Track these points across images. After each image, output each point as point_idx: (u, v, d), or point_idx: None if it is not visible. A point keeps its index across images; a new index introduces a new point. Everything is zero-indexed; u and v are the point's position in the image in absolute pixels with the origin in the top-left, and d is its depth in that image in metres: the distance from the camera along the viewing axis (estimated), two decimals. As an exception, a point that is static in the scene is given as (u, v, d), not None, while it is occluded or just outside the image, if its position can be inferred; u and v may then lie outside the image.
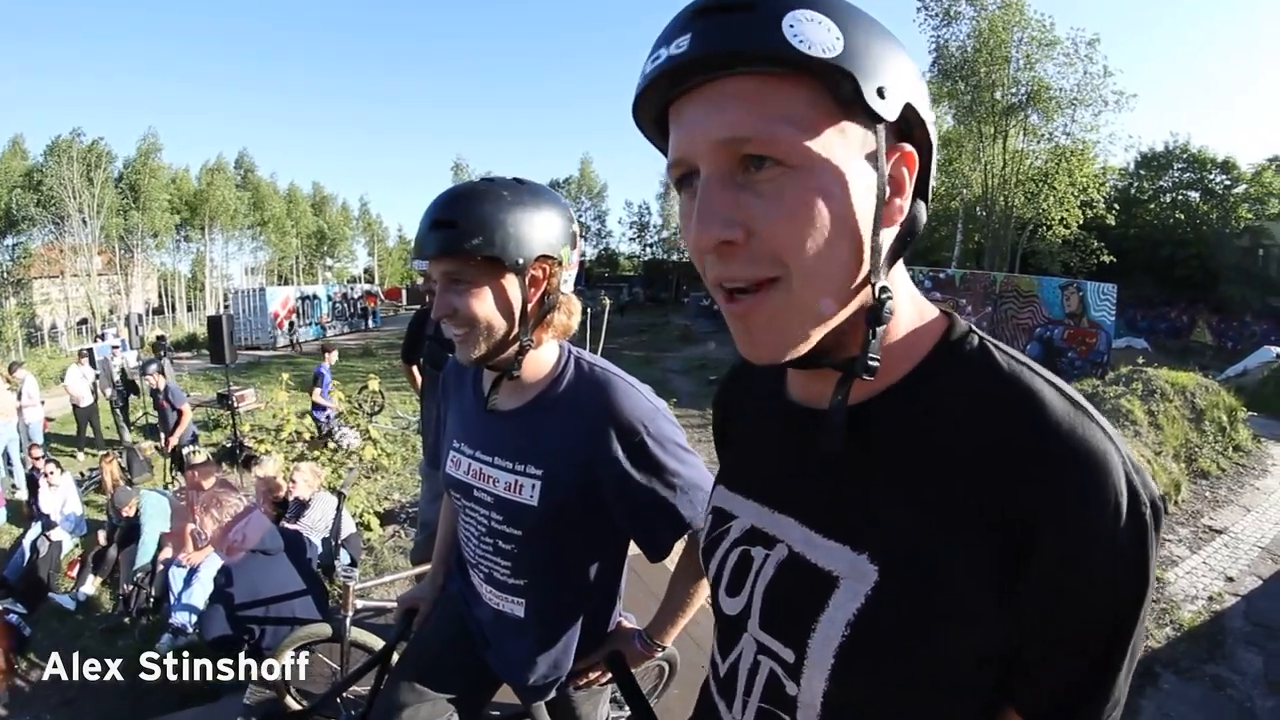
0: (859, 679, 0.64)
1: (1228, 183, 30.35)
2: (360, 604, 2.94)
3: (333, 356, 9.44)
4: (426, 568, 3.37)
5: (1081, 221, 25.66)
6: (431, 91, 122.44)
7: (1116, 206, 27.48)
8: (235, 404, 8.87)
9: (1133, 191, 31.66)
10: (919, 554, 0.61)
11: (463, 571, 1.57)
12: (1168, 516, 5.61)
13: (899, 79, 0.59)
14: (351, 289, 35.56)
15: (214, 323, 8.11)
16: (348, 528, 5.06)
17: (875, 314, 0.62)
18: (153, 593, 4.71)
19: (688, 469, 1.31)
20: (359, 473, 7.09)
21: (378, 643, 2.84)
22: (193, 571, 4.35)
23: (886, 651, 0.63)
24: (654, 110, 0.65)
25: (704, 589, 1.43)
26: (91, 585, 5.23)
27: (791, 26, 0.54)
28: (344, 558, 4.95)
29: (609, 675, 1.54)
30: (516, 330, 1.27)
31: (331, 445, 7.65)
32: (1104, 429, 0.59)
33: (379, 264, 63.44)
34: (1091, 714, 0.61)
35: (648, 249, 50.35)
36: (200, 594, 4.14)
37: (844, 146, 0.58)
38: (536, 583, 1.40)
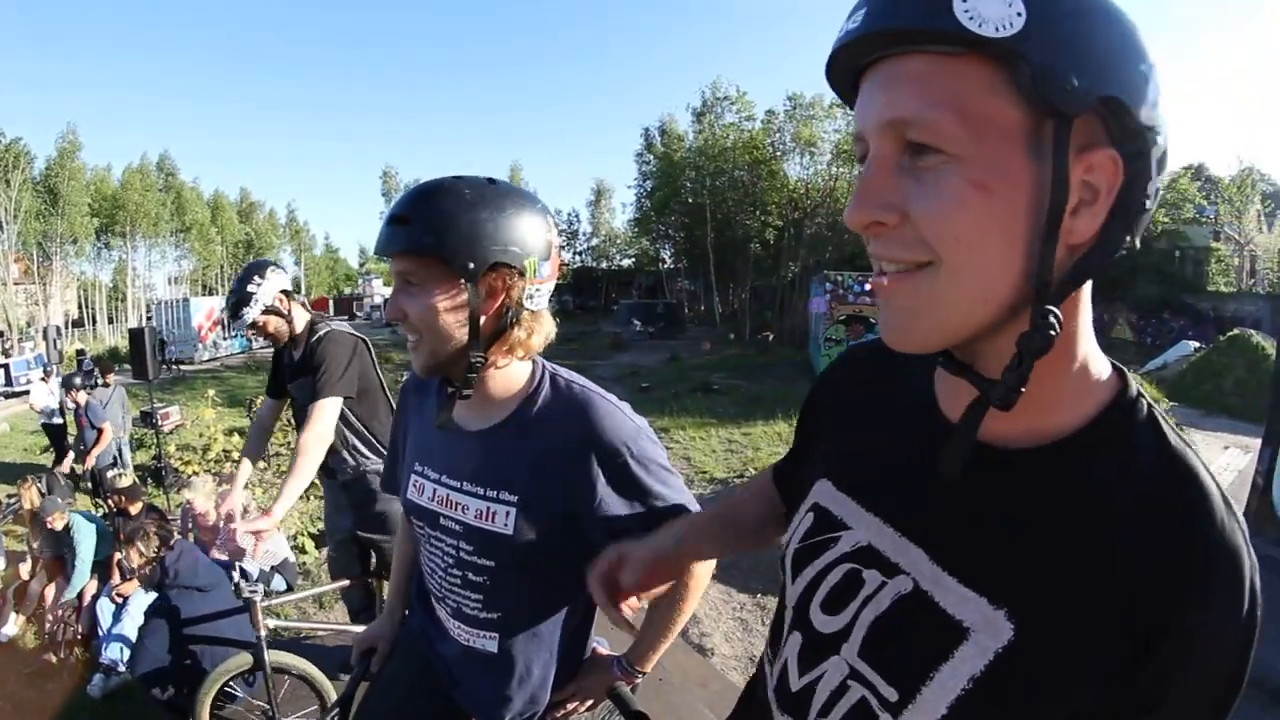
0: None
1: (1144, 189, 31.97)
2: (274, 623, 2.79)
3: None
4: (343, 583, 3.26)
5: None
6: (360, 97, 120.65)
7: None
8: (159, 422, 8.44)
9: (1055, 197, 32.98)
10: (1058, 622, 0.58)
11: (425, 606, 1.47)
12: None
13: (1105, 69, 0.51)
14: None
15: (136, 336, 7.66)
16: (283, 552, 4.82)
17: (1029, 340, 0.55)
18: (80, 629, 4.38)
19: (671, 491, 1.25)
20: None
21: (303, 665, 2.75)
22: (122, 605, 4.07)
23: (1006, 712, 0.60)
24: (850, 76, 0.60)
25: (686, 613, 1.38)
26: (13, 624, 4.79)
27: (965, 2, 0.50)
28: (279, 583, 4.71)
29: (587, 705, 1.48)
30: (467, 344, 1.16)
31: (261, 465, 7.32)
32: (1243, 530, 0.58)
33: (306, 273, 61.82)
34: None
35: (577, 257, 50.36)
36: (131, 627, 3.85)
37: (1014, 141, 0.52)
38: (510, 616, 1.31)
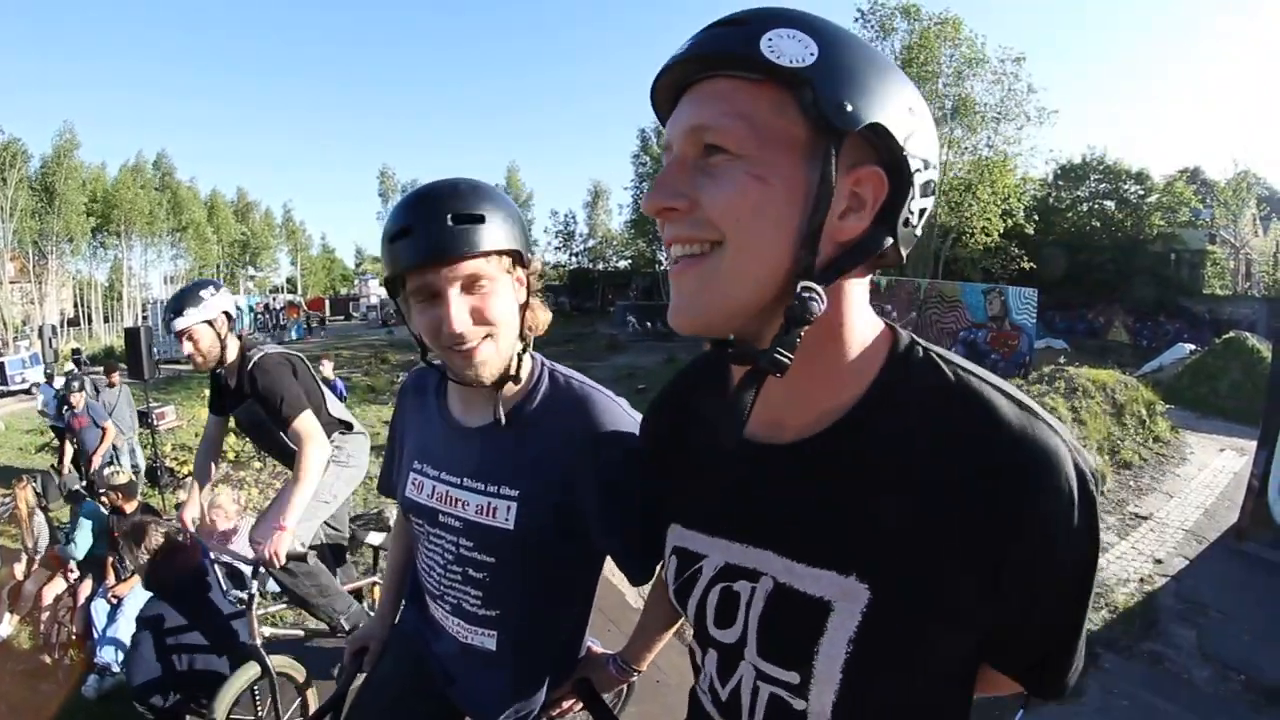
0: (866, 686, 0.70)
1: (1141, 193, 32.06)
2: (270, 630, 2.80)
3: (326, 366, 8.62)
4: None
5: (1002, 230, 26.81)
6: (357, 98, 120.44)
7: (1036, 216, 28.77)
8: (155, 422, 8.41)
9: (1051, 201, 33.12)
10: (906, 567, 0.67)
11: (420, 604, 1.47)
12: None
13: (875, 102, 0.63)
14: (274, 299, 34.35)
15: (132, 335, 7.65)
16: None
17: (792, 312, 0.64)
18: (75, 630, 4.36)
19: None
20: None
21: (301, 670, 2.74)
22: (116, 605, 4.05)
23: (891, 659, 0.68)
24: (670, 105, 0.71)
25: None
26: (8, 624, 4.78)
27: (769, 40, 0.62)
28: (274, 584, 4.69)
29: (580, 705, 1.46)
30: (519, 331, 1.21)
31: (257, 465, 7.28)
32: (1048, 424, 0.66)
33: (302, 273, 61.68)
34: (1064, 662, 0.73)
35: (574, 258, 50.17)
36: (125, 629, 3.84)
37: (793, 149, 0.63)
38: (509, 613, 1.30)
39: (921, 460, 0.67)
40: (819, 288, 0.64)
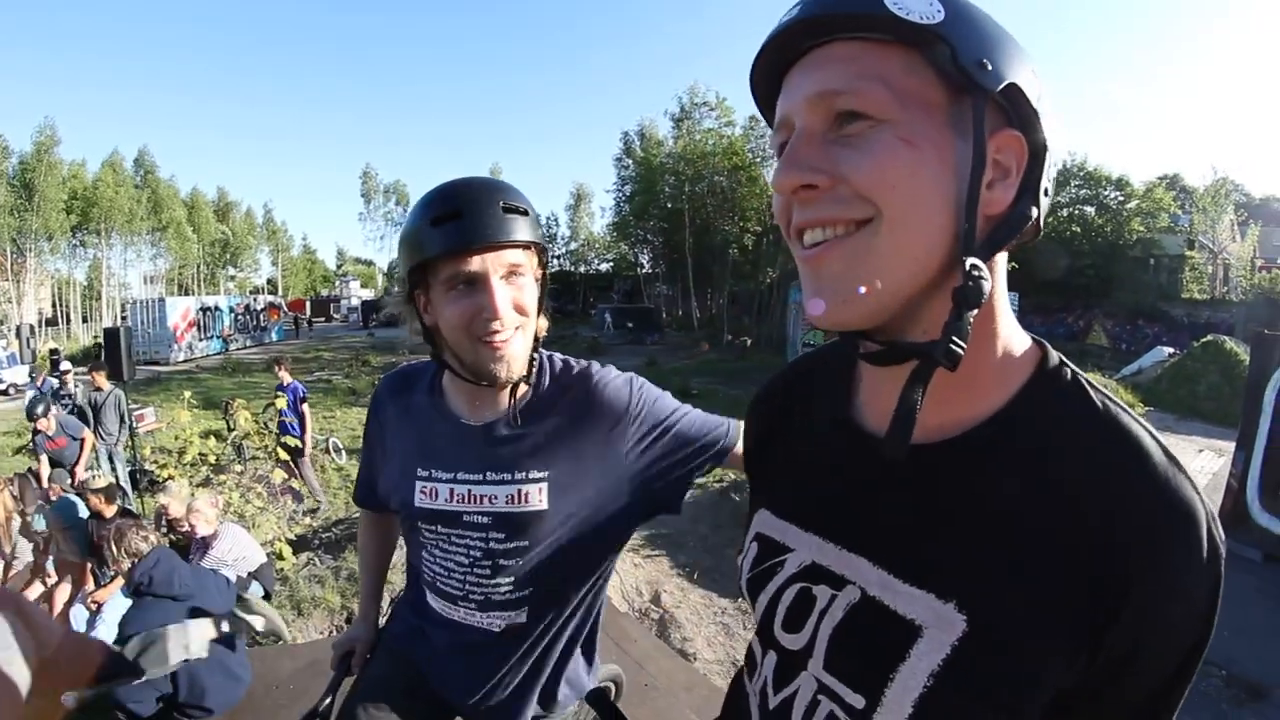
0: None
1: (1121, 199, 32.51)
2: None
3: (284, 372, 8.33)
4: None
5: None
6: (339, 99, 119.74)
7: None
8: (135, 424, 8.29)
9: (1032, 206, 33.45)
10: (1011, 605, 0.59)
11: (421, 610, 1.43)
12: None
13: (1006, 60, 0.58)
14: (254, 300, 34.16)
15: (111, 335, 7.54)
16: (259, 558, 4.74)
17: (964, 292, 0.57)
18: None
19: (684, 409, 1.35)
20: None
21: None
22: (96, 612, 3.98)
23: (970, 701, 0.61)
24: (770, 85, 0.66)
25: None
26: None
27: None
28: (257, 589, 4.64)
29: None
30: (536, 323, 1.24)
31: (238, 468, 7.19)
32: (1192, 482, 0.58)
33: (283, 274, 61.21)
34: None
35: (556, 261, 50.04)
36: (106, 637, 3.76)
37: (937, 112, 0.58)
38: (540, 591, 1.30)
39: (1054, 492, 0.59)
40: (983, 265, 0.58)
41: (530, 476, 1.23)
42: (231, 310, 29.92)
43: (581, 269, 49.85)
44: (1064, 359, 0.67)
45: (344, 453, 9.79)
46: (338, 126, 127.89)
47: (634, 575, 5.49)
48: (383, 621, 1.68)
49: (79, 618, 4.05)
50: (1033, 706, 0.60)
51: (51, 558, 4.79)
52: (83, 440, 7.21)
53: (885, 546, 0.67)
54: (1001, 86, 0.57)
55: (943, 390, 0.63)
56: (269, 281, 60.25)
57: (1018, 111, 0.59)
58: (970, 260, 0.57)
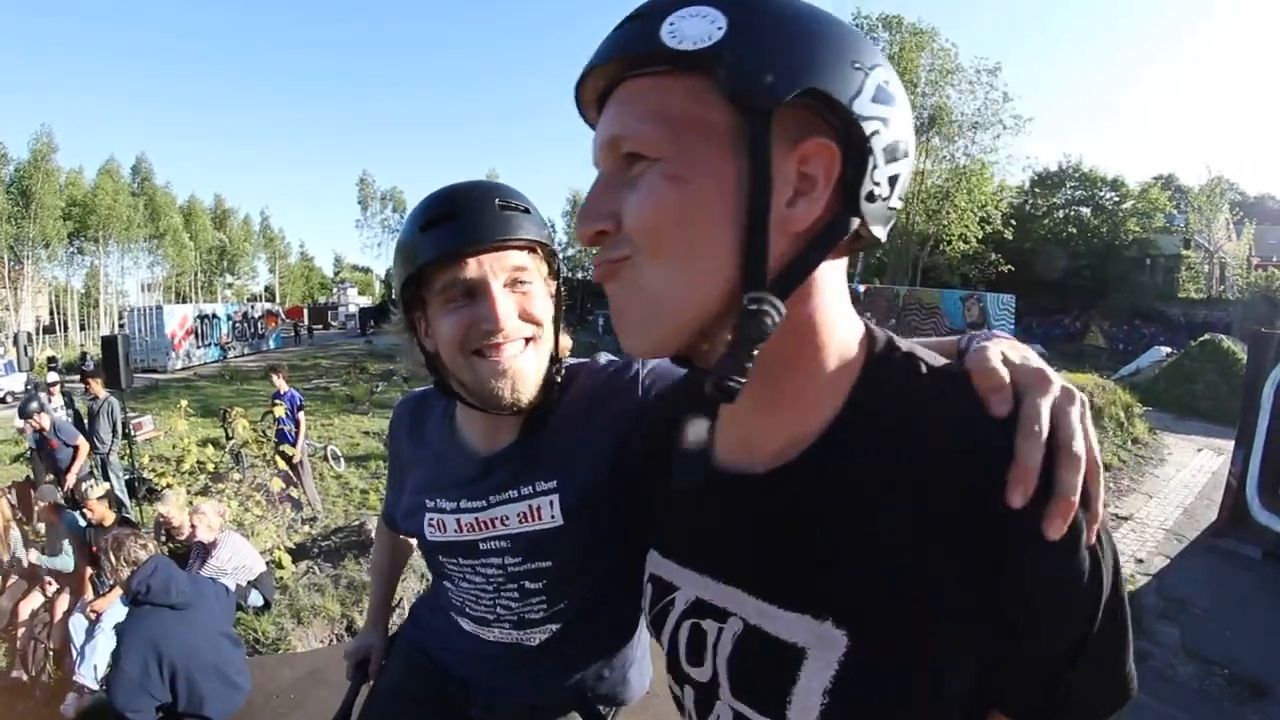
0: None
1: (1117, 199, 32.73)
2: None
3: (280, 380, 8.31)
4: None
5: (980, 236, 27.23)
6: (336, 105, 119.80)
7: (1014, 222, 29.22)
8: (133, 432, 8.26)
9: (1028, 208, 33.64)
10: (888, 614, 0.59)
11: (450, 621, 1.37)
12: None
13: (804, 65, 0.54)
14: (252, 308, 34.15)
15: (109, 343, 7.49)
16: (258, 566, 4.73)
17: (742, 328, 0.56)
18: (52, 646, 4.25)
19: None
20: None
21: None
22: (95, 621, 3.96)
23: (872, 710, 0.61)
24: (597, 107, 0.64)
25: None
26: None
27: (671, 24, 0.55)
28: (256, 598, 4.62)
29: None
30: (553, 343, 1.13)
31: (237, 477, 7.17)
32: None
33: (280, 281, 61.18)
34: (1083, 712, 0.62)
35: (551, 267, 50.38)
36: (105, 646, 3.76)
37: (716, 138, 0.56)
38: (573, 603, 1.23)
39: (905, 486, 0.58)
40: (772, 297, 0.55)
41: (538, 489, 1.14)
42: (229, 318, 29.87)
43: (579, 275, 49.85)
44: (893, 337, 0.67)
45: (342, 460, 9.77)
46: (335, 133, 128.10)
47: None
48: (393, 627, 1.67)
49: (78, 627, 4.02)
50: (941, 699, 0.60)
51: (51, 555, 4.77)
52: (76, 447, 7.15)
53: (755, 576, 0.67)
54: (792, 95, 0.53)
55: (780, 412, 0.65)
56: (266, 289, 60.29)
57: (833, 115, 0.55)
58: (750, 294, 0.55)
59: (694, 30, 0.54)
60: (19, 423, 7.73)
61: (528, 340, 1.07)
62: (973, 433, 0.57)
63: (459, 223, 1.02)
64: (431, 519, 1.23)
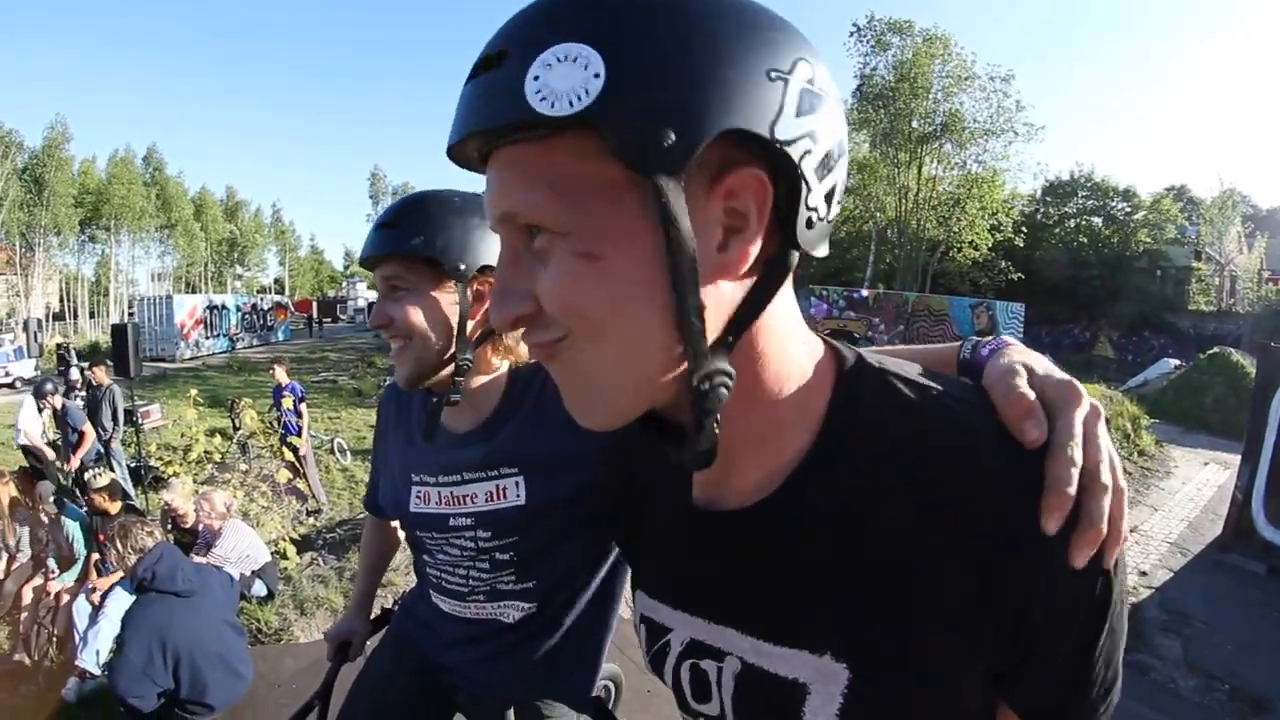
0: None
1: (1128, 209, 32.58)
2: None
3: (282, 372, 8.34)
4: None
5: (991, 244, 27.15)
6: (350, 100, 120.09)
7: (1025, 230, 29.14)
8: (140, 420, 8.31)
9: (1039, 217, 33.52)
10: (885, 642, 0.57)
11: (432, 607, 1.45)
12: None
13: (710, 100, 0.45)
14: (261, 300, 34.32)
15: (119, 331, 7.54)
16: (263, 556, 4.75)
17: (698, 407, 0.51)
18: (55, 631, 4.29)
19: None
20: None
21: None
22: (99, 607, 3.98)
23: None
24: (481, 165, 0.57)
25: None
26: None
27: (537, 78, 0.45)
28: (260, 588, 4.64)
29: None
30: (454, 348, 1.18)
31: (243, 467, 7.20)
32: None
33: (290, 274, 61.41)
34: (1086, 707, 0.60)
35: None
36: (108, 632, 3.77)
37: (618, 197, 0.48)
38: (545, 580, 1.32)
39: (891, 509, 0.56)
40: (722, 365, 0.51)
41: (503, 472, 1.24)
42: (239, 309, 29.99)
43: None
44: (861, 354, 0.63)
45: (349, 453, 9.79)
46: (347, 128, 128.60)
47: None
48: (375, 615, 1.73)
49: (81, 612, 4.05)
50: (954, 711, 0.58)
51: (53, 553, 4.80)
52: (82, 433, 7.21)
53: (747, 613, 0.65)
54: (695, 150, 0.45)
55: (752, 446, 0.61)
56: (276, 281, 60.57)
57: (755, 144, 0.48)
58: (698, 375, 0.50)
59: (566, 84, 0.45)
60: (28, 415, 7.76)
61: (405, 339, 1.18)
62: (968, 450, 0.55)
63: (366, 239, 1.20)
64: (419, 492, 1.33)
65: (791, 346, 0.59)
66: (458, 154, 0.55)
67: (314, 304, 49.02)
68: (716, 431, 0.53)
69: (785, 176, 0.49)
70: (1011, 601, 0.53)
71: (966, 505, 0.53)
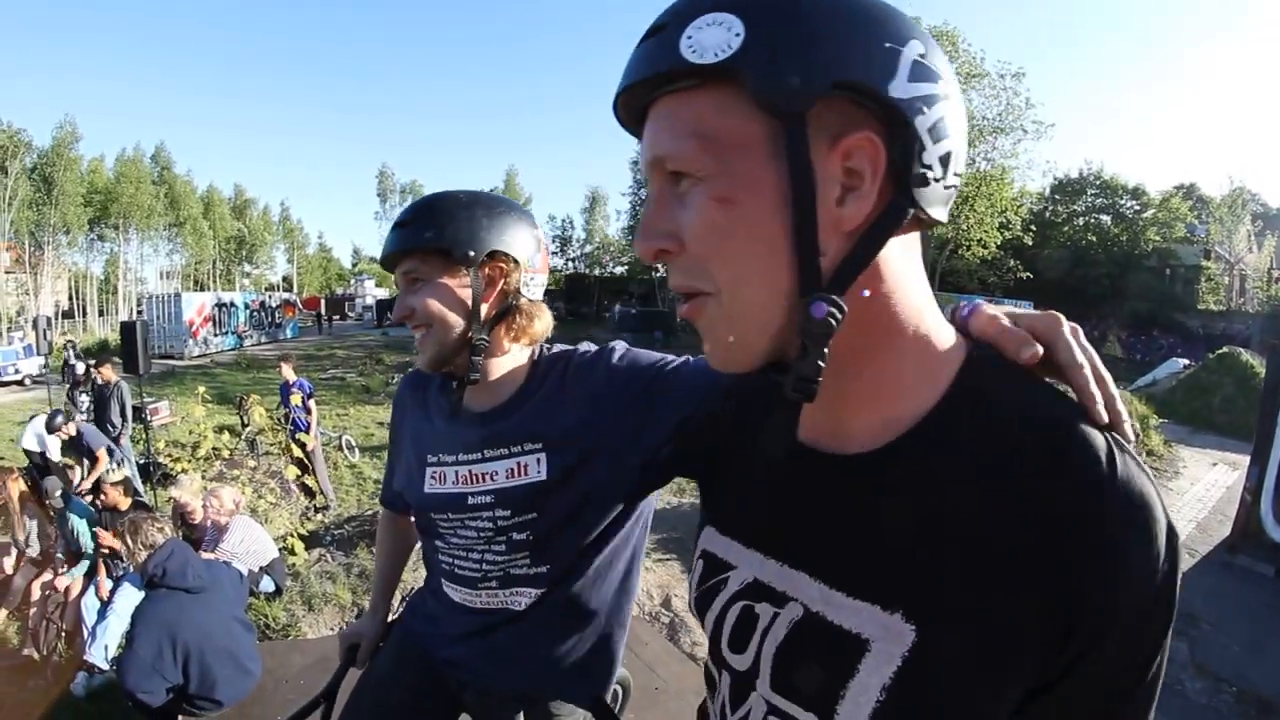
0: None
1: (1137, 208, 32.44)
2: None
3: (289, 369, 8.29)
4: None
5: (999, 242, 27.04)
6: (358, 97, 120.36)
7: (1033, 228, 29.02)
8: (149, 417, 8.35)
9: (1048, 214, 33.42)
10: (960, 611, 0.57)
11: (441, 600, 1.45)
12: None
13: (833, 58, 0.53)
14: (270, 297, 34.51)
15: (127, 329, 7.58)
16: (271, 552, 4.78)
17: (806, 331, 0.56)
18: (64, 626, 4.32)
19: (671, 360, 1.30)
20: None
21: None
22: (107, 602, 4.02)
23: (929, 713, 0.58)
24: (640, 122, 0.64)
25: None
26: (-5, 619, 4.73)
27: (689, 37, 0.55)
28: (268, 584, 4.67)
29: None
30: (469, 330, 1.25)
31: (252, 464, 7.23)
32: (1143, 467, 0.56)
33: (298, 272, 61.64)
34: None
35: (570, 263, 50.78)
36: (116, 627, 3.81)
37: (754, 150, 0.55)
38: (559, 564, 1.33)
39: (995, 492, 0.57)
40: (832, 297, 0.55)
41: (526, 448, 1.28)
42: (247, 306, 30.15)
43: (596, 272, 49.90)
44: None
45: (357, 450, 9.83)
46: (355, 126, 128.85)
47: (645, 579, 5.48)
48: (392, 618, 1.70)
49: (90, 607, 4.09)
50: (995, 711, 0.58)
51: (61, 549, 4.83)
52: (96, 455, 7.02)
53: (825, 560, 0.66)
54: (820, 97, 0.53)
55: (871, 396, 0.64)
56: (284, 279, 60.82)
57: (872, 104, 0.54)
58: (806, 299, 0.56)
59: (712, 40, 0.53)
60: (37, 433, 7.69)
61: (426, 327, 1.25)
62: (1060, 451, 0.56)
63: (385, 241, 1.28)
64: (434, 473, 1.36)
65: (911, 310, 0.62)
66: (623, 106, 0.63)
67: (322, 301, 49.25)
68: (822, 364, 0.56)
69: (900, 139, 0.55)
70: (1079, 597, 0.53)
71: (1065, 506, 0.54)
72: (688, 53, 0.54)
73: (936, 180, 0.57)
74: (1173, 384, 15.42)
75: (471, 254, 1.22)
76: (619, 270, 48.61)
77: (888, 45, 0.54)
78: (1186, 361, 17.64)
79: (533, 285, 1.32)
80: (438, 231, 1.21)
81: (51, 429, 7.15)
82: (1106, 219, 32.69)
